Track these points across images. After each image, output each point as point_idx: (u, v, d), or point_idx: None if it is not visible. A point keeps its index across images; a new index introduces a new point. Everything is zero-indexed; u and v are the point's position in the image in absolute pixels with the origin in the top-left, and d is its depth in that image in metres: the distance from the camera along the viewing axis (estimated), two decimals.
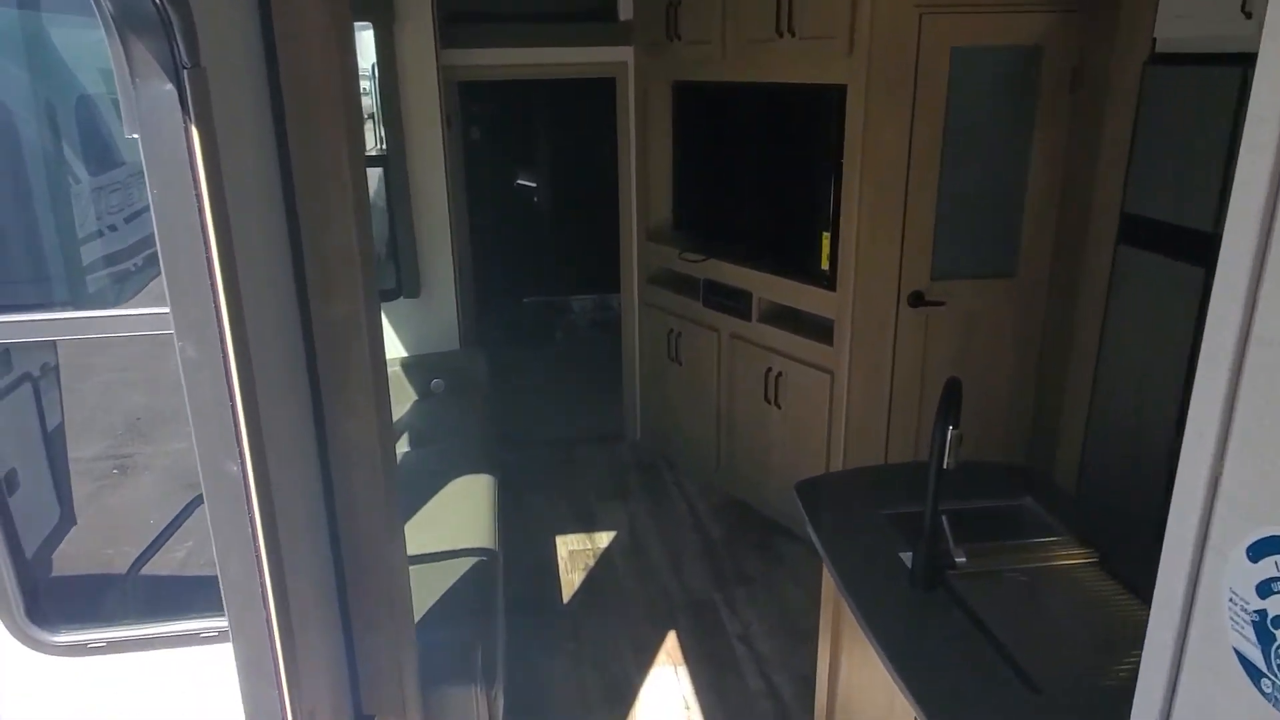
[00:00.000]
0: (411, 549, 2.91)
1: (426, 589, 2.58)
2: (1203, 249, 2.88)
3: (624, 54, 4.53)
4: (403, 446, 3.77)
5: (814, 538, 2.22)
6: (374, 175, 4.35)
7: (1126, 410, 3.28)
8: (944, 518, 1.93)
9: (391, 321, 4.40)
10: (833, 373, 3.76)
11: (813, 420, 3.88)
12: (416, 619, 2.32)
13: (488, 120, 7.51)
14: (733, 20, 3.85)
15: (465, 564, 2.76)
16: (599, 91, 4.92)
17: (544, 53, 4.47)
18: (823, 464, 3.88)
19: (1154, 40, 3.10)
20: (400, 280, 4.33)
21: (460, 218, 4.70)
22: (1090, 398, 3.47)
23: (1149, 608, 1.97)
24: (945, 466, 1.94)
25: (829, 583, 2.42)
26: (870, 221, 3.51)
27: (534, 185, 7.87)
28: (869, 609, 1.90)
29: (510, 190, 7.94)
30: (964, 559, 1.97)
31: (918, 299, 3.62)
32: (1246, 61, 2.68)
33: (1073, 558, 2.07)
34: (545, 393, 5.94)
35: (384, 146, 4.21)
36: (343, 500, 1.69)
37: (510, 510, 4.35)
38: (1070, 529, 2.21)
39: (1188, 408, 2.76)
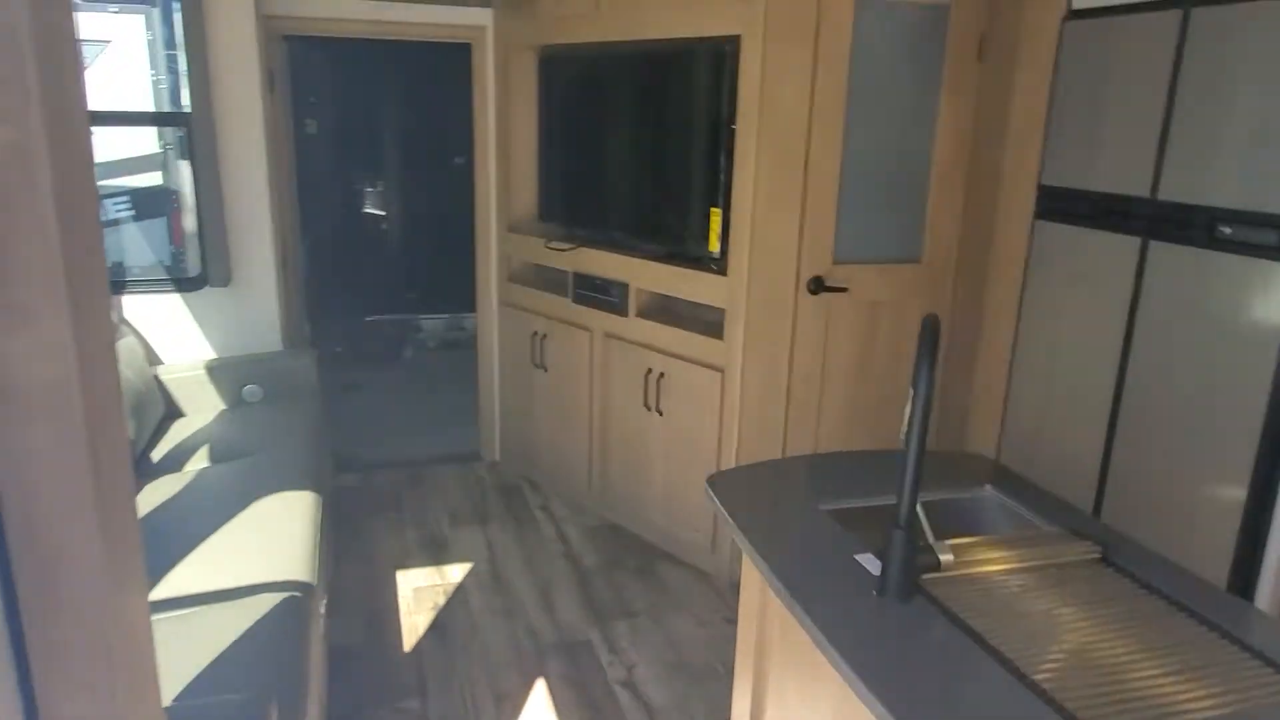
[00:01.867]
0: (191, 583, 2.20)
1: (208, 636, 1.88)
2: (1138, 216, 2.59)
3: (482, 16, 3.98)
4: (201, 462, 3.01)
5: (740, 538, 1.69)
6: (150, 142, 3.63)
7: (1049, 398, 2.96)
8: (921, 509, 1.44)
9: (195, 315, 3.63)
10: (724, 371, 3.28)
11: (701, 427, 3.39)
12: (188, 675, 1.63)
13: (330, 111, 6.78)
14: None
15: (267, 602, 2.06)
16: (456, 69, 4.36)
17: (386, 8, 3.86)
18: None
19: None
20: (206, 265, 3.57)
21: (285, 198, 3.98)
22: (1006, 388, 3.14)
23: (1175, 608, 1.56)
24: (902, 438, 1.48)
25: (750, 605, 1.89)
26: (768, 194, 3.08)
27: (383, 214, 7.19)
28: (834, 629, 1.37)
29: (353, 199, 7.21)
30: (949, 557, 1.49)
31: (818, 285, 3.21)
32: (1186, 4, 2.42)
33: (1072, 554, 1.62)
34: (390, 413, 5.21)
35: (187, 103, 3.47)
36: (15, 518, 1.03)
37: (343, 540, 3.61)
38: (1052, 520, 1.78)
39: (1124, 387, 2.38)
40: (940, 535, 1.61)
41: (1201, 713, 1.23)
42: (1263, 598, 2.38)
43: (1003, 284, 3.15)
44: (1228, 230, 2.35)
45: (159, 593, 2.15)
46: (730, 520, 1.75)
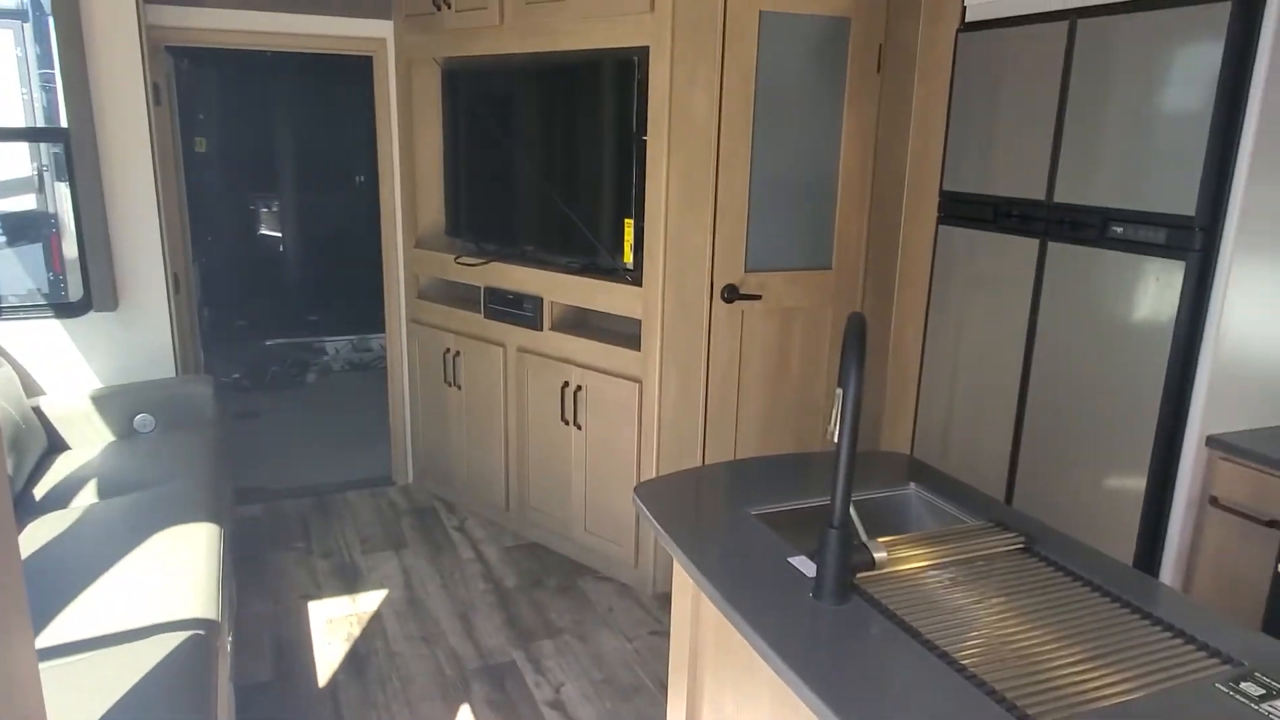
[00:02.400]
0: (82, 627, 2.03)
1: (104, 682, 1.74)
2: (1035, 219, 2.68)
3: (382, 28, 3.89)
4: (89, 497, 2.81)
5: (671, 547, 1.66)
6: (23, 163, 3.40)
7: (958, 396, 3.04)
8: (854, 509, 1.44)
9: (78, 342, 3.40)
10: (641, 382, 3.26)
11: (619, 439, 3.35)
12: None
13: (221, 129, 6.52)
14: None
15: (168, 643, 1.93)
16: (357, 83, 4.25)
17: (280, 20, 3.72)
18: (632, 490, 3.34)
19: (964, 8, 2.94)
20: (89, 289, 3.35)
21: (175, 217, 3.79)
22: (918, 388, 3.21)
23: (1095, 591, 1.59)
24: (830, 437, 1.48)
25: (683, 614, 1.86)
26: (680, 203, 3.09)
27: (280, 235, 6.94)
28: (772, 633, 1.35)
29: (250, 220, 6.94)
30: (884, 554, 1.49)
31: (732, 293, 3.22)
32: (1072, 15, 2.53)
33: (997, 545, 1.65)
34: (294, 440, 5.00)
35: (63, 118, 3.27)
36: None
37: (247, 574, 3.44)
38: (976, 514, 1.81)
39: (1029, 382, 2.46)
40: (868, 534, 1.62)
41: (1127, 694, 1.25)
42: (1165, 576, 2.48)
43: (910, 288, 3.22)
44: (1119, 229, 2.46)
45: (46, 639, 1.98)
46: (660, 529, 1.72)
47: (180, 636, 2.00)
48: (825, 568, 1.43)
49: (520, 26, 3.37)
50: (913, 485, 1.96)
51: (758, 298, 3.26)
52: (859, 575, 1.51)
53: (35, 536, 2.48)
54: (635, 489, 1.88)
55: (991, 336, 2.88)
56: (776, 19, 3.06)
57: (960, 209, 2.97)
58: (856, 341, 1.42)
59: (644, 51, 3.04)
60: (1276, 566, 2.18)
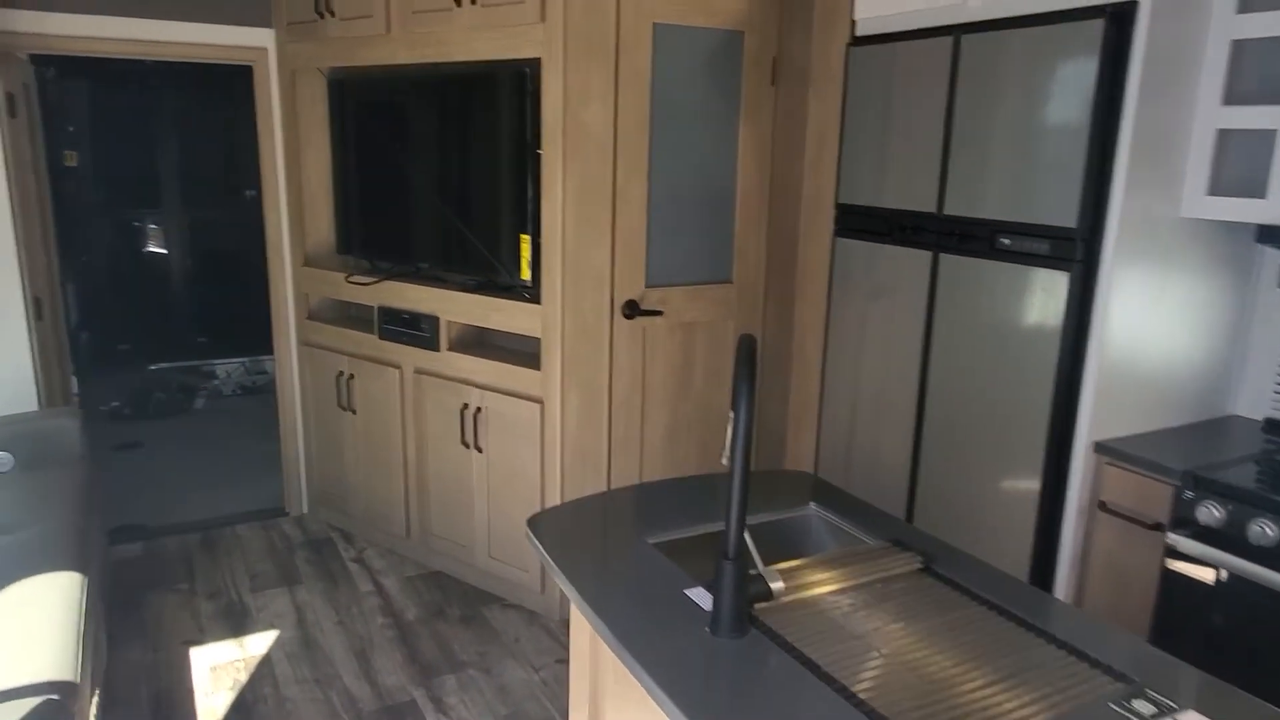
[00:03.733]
0: None
1: None
2: (927, 231, 2.71)
3: (263, 37, 3.71)
4: None
5: (565, 584, 1.58)
6: None
7: (859, 409, 3.05)
8: (749, 537, 1.39)
9: None
10: (543, 401, 3.17)
11: (522, 461, 3.25)
12: None
13: (95, 142, 6.15)
14: None
15: (18, 710, 1.74)
16: (237, 95, 4.04)
17: (150, 27, 3.51)
18: (537, 510, 3.24)
19: (854, 22, 2.97)
20: None
21: (37, 238, 3.53)
22: (820, 402, 3.21)
23: (993, 612, 1.58)
24: (724, 461, 1.43)
25: (581, 650, 1.79)
26: (577, 218, 3.02)
27: (164, 252, 6.59)
28: (666, 674, 1.29)
29: (130, 238, 6.57)
30: (780, 584, 1.44)
31: (633, 309, 3.17)
32: (956, 30, 2.57)
33: (896, 567, 1.62)
34: (178, 471, 4.72)
35: None
36: None
37: (122, 621, 3.20)
38: (875, 533, 1.79)
39: (926, 394, 2.48)
40: (768, 559, 1.57)
41: (1030, 718, 1.23)
42: (1061, 580, 2.52)
43: (809, 301, 3.23)
44: (1006, 241, 2.49)
45: None
46: (553, 564, 1.63)
47: (32, 703, 1.82)
48: (721, 601, 1.38)
49: (408, 36, 3.25)
50: (813, 505, 1.93)
51: (659, 313, 3.21)
52: (757, 606, 1.46)
53: None
54: (529, 521, 1.79)
55: (889, 348, 2.90)
56: (670, 31, 3.03)
57: (856, 221, 2.98)
58: (747, 364, 1.37)
59: (536, 63, 2.96)
60: (1162, 566, 2.23)
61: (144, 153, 6.37)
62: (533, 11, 2.89)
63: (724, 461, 1.45)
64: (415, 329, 3.49)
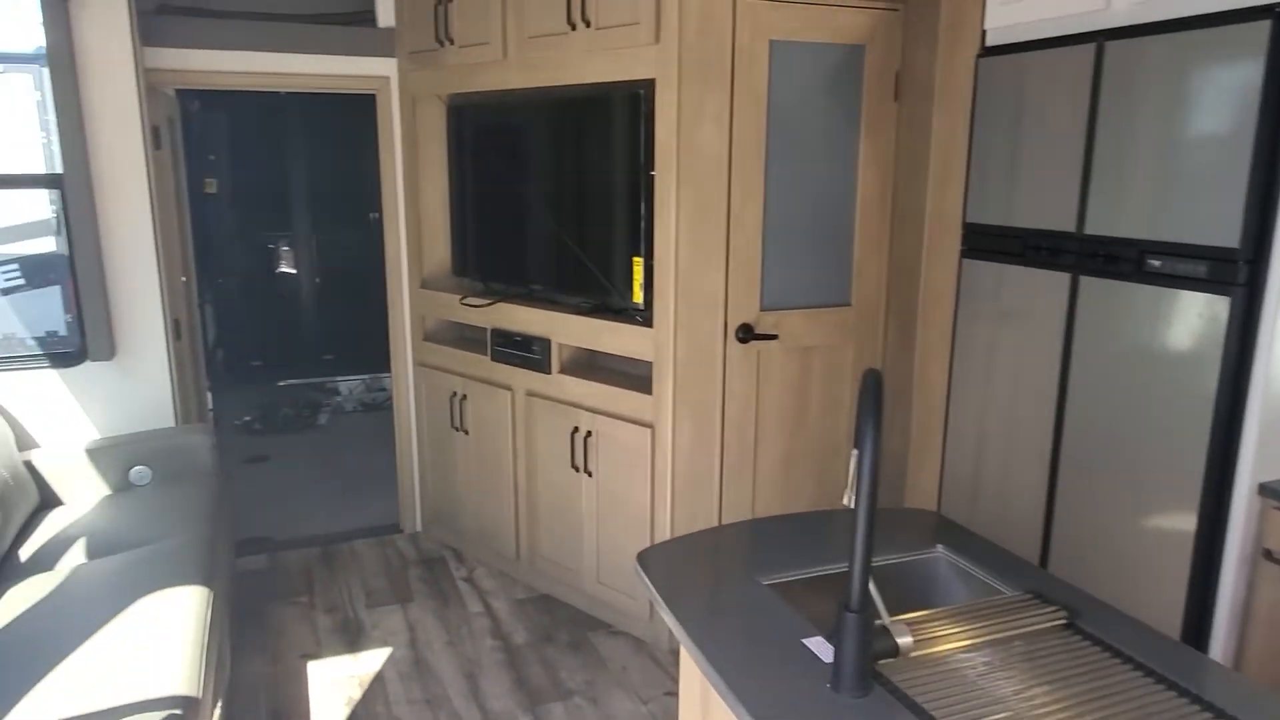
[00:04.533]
0: (52, 707, 1.90)
1: None
2: (1066, 252, 2.53)
3: (386, 66, 3.82)
4: (77, 557, 2.70)
5: (675, 626, 1.51)
6: (43, 206, 3.35)
7: (987, 439, 2.87)
8: (874, 587, 1.28)
9: (74, 392, 3.32)
10: (653, 426, 3.12)
11: (632, 486, 3.20)
12: None
13: (234, 169, 6.51)
14: (515, 14, 3.26)
15: None
16: (362, 122, 4.18)
17: (282, 60, 3.66)
18: (647, 538, 3.19)
19: (984, 33, 2.81)
20: (85, 338, 3.27)
21: (177, 262, 3.72)
22: (944, 431, 3.04)
23: (1146, 676, 1.42)
24: (847, 502, 1.34)
25: (692, 697, 1.71)
26: (691, 240, 2.96)
27: (294, 271, 6.90)
28: None
29: (260, 259, 6.91)
30: (908, 639, 1.33)
31: (747, 333, 3.08)
32: (1098, 38, 2.39)
33: (1037, 621, 1.48)
34: (302, 485, 4.89)
35: (59, 163, 3.20)
36: None
37: (246, 632, 3.31)
38: (1011, 582, 1.65)
39: (1063, 426, 2.27)
40: (892, 606, 1.46)
41: None
42: (1218, 636, 2.29)
43: (933, 325, 3.07)
44: (1156, 262, 2.29)
45: None
46: (663, 604, 1.57)
47: (155, 718, 1.87)
48: (843, 656, 1.28)
49: (523, 61, 3.28)
50: (940, 548, 1.80)
51: (774, 337, 3.11)
52: (881, 662, 1.35)
53: (15, 603, 2.37)
54: (638, 556, 1.73)
55: (1022, 376, 2.72)
56: (788, 48, 2.94)
57: (985, 241, 2.82)
58: (873, 401, 1.27)
59: (650, 85, 2.93)
60: None
61: (276, 178, 6.69)
62: (647, 33, 2.86)
63: (846, 503, 1.36)
64: (527, 351, 3.50)
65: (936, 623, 1.47)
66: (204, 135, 6.28)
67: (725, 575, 1.69)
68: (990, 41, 2.79)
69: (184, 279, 3.96)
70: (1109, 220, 2.40)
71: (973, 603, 1.56)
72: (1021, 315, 2.71)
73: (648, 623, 3.28)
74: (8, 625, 2.27)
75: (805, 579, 1.68)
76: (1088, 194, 2.45)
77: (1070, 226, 2.51)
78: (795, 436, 3.25)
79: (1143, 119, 2.29)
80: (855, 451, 1.36)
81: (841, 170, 3.12)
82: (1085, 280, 2.48)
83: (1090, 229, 2.45)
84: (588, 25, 3.01)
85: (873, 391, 1.26)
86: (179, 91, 4.70)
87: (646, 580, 1.65)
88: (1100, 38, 2.39)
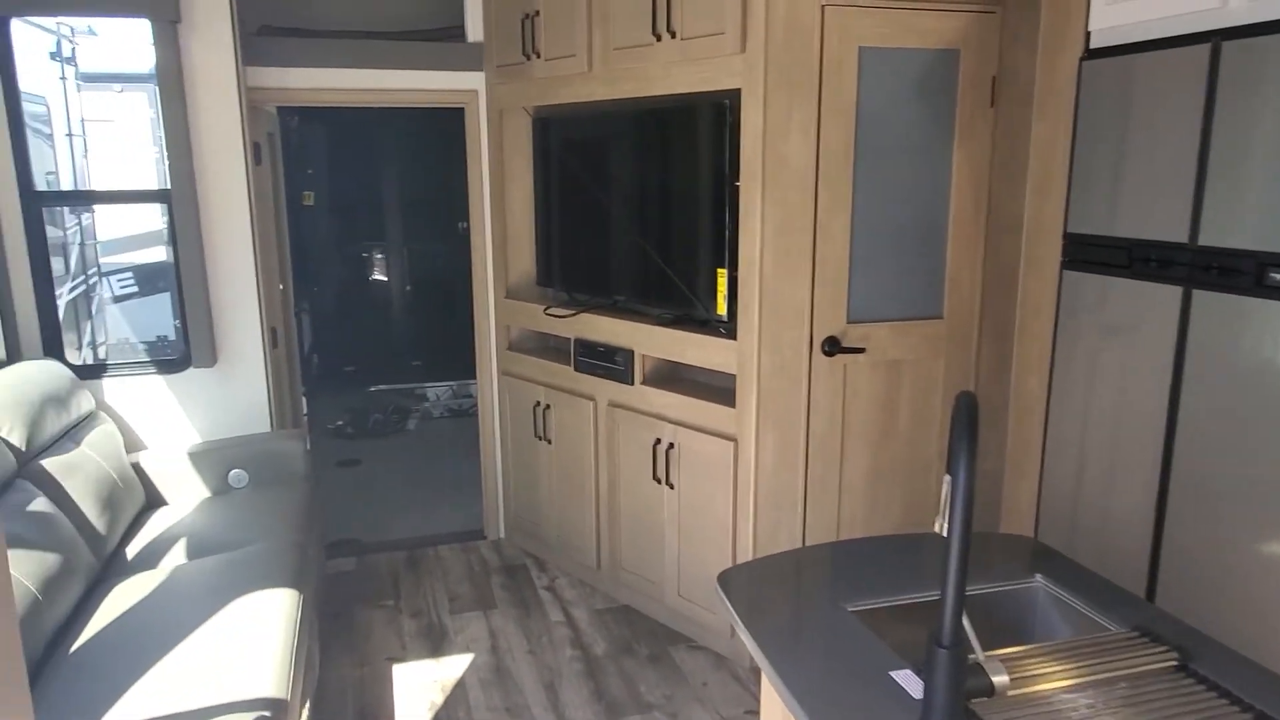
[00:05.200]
0: (149, 706, 1.97)
1: None
2: (1177, 264, 2.39)
3: (474, 80, 3.88)
4: (178, 557, 2.81)
5: (758, 652, 1.47)
6: (155, 218, 3.49)
7: (1090, 459, 2.73)
8: (968, 622, 1.22)
9: (178, 397, 3.46)
10: (737, 440, 3.07)
11: (715, 499, 3.16)
12: None
13: (330, 181, 6.73)
14: (601, 26, 3.27)
15: None
16: (452, 134, 4.26)
17: (375, 76, 3.76)
18: (728, 552, 3.15)
19: (1088, 34, 2.69)
20: (189, 345, 3.41)
21: (275, 273, 3.85)
22: (1042, 449, 2.91)
23: None
24: (939, 529, 1.27)
25: (774, 715, 1.66)
26: (775, 252, 2.91)
27: (385, 279, 7.10)
28: None
29: (354, 268, 7.12)
30: (1004, 678, 1.26)
31: (834, 346, 3.01)
32: (1213, 38, 2.26)
33: (1145, 661, 1.39)
34: (390, 489, 5.00)
35: (168, 179, 3.35)
36: None
37: (335, 633, 3.39)
38: (1117, 617, 1.55)
39: (1174, 447, 2.13)
40: (986, 639, 1.38)
41: None
42: None
43: (1032, 338, 2.94)
44: (1279, 275, 2.14)
45: (114, 719, 1.93)
46: (745, 629, 1.53)
47: (246, 719, 1.92)
48: (933, 694, 1.22)
49: (609, 73, 3.28)
50: (1039, 578, 1.71)
51: (861, 350, 3.03)
52: (974, 700, 1.29)
53: (121, 599, 2.47)
54: (719, 577, 1.70)
55: (1128, 393, 2.58)
56: (878, 55, 2.87)
57: (1088, 252, 2.69)
58: (967, 425, 1.21)
59: (735, 95, 2.89)
60: None
61: (370, 190, 6.90)
62: (733, 42, 2.83)
63: (938, 530, 1.29)
64: (610, 362, 3.50)
65: (1035, 660, 1.40)
66: (302, 149, 6.51)
67: (809, 599, 1.64)
68: (1095, 43, 2.67)
69: (280, 287, 4.10)
70: (1225, 230, 2.26)
71: (1074, 639, 1.47)
72: (1128, 329, 2.57)
73: (729, 639, 3.23)
74: (113, 622, 2.37)
75: (891, 607, 1.62)
76: (1202, 203, 2.31)
77: (1182, 237, 2.37)
78: (882, 452, 3.15)
79: (1263, 123, 2.14)
80: (948, 477, 1.30)
81: (934, 179, 3.02)
82: (1199, 294, 2.34)
83: (1205, 240, 2.31)
84: (673, 36, 2.99)
85: (967, 415, 1.20)
86: (279, 108, 4.88)
87: (727, 602, 1.61)
88: (1216, 38, 2.25)
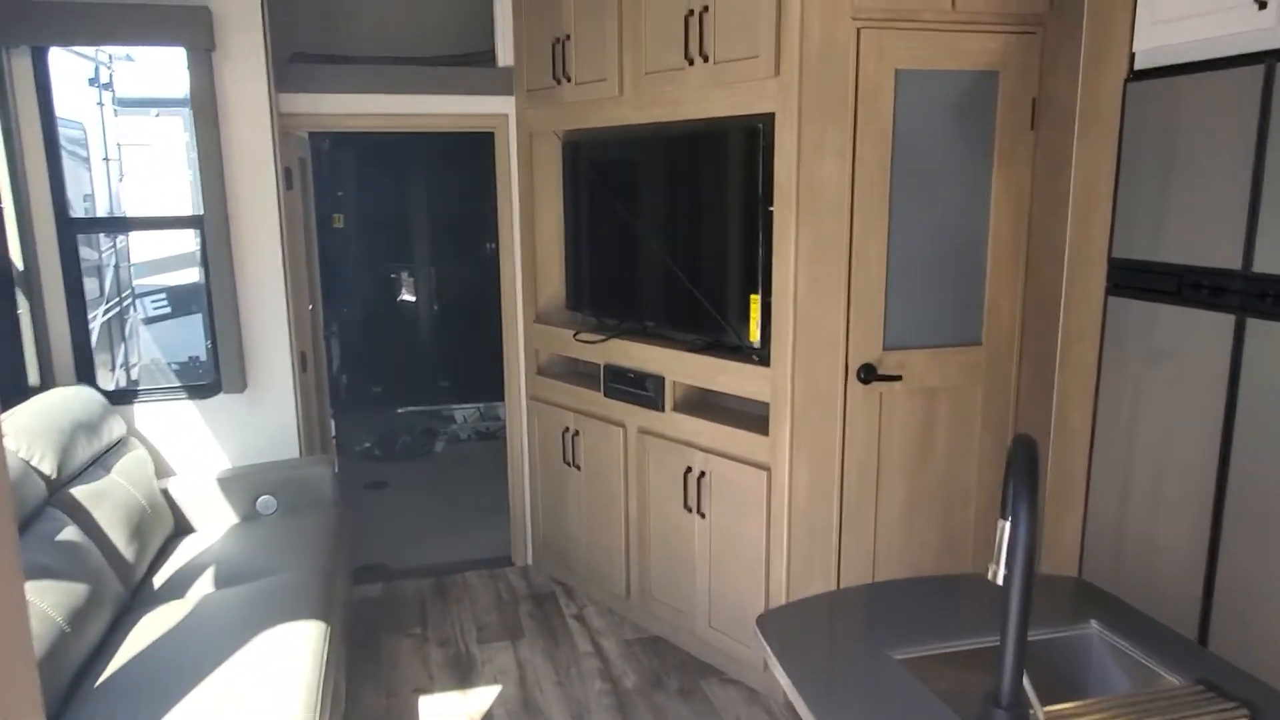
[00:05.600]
0: None
1: None
2: (1230, 290, 2.30)
3: (504, 104, 3.87)
4: (205, 586, 2.78)
5: (799, 703, 1.41)
6: (188, 239, 3.49)
7: (1137, 495, 2.63)
8: (1028, 681, 1.15)
9: (209, 423, 3.46)
10: (770, 469, 3.01)
11: (747, 529, 3.10)
12: None
13: (360, 204, 6.76)
14: (632, 50, 3.24)
15: None
16: (480, 156, 4.26)
17: (406, 101, 3.76)
18: (761, 585, 3.08)
19: (1132, 56, 2.62)
20: (219, 371, 3.41)
21: (305, 298, 3.85)
22: (1086, 488, 2.82)
23: None
24: (992, 577, 1.21)
25: None
26: (810, 277, 2.86)
27: (414, 300, 7.12)
28: None
29: (383, 289, 7.15)
30: None
31: (869, 373, 2.94)
32: (1266, 58, 2.18)
33: (1212, 716, 1.31)
34: (418, 514, 4.98)
35: (201, 204, 3.36)
36: None
37: (361, 663, 3.35)
38: (1180, 669, 1.47)
39: (1228, 484, 2.03)
40: (1040, 691, 1.31)
41: None
42: None
43: (1075, 367, 2.86)
44: None
45: None
46: (787, 677, 1.46)
47: None
48: None
49: (639, 97, 3.26)
50: (1094, 624, 1.63)
51: (898, 378, 2.96)
52: None
53: (148, 630, 2.45)
54: (758, 620, 1.64)
55: (1178, 425, 2.49)
56: (915, 77, 2.82)
57: (1134, 279, 2.60)
58: (1025, 469, 1.15)
59: (769, 119, 2.85)
60: None
61: (400, 212, 6.92)
62: (766, 66, 2.79)
63: (992, 578, 1.23)
64: (640, 388, 3.46)
65: (1096, 717, 1.32)
66: (333, 172, 6.55)
67: (853, 646, 1.57)
68: (1140, 65, 2.60)
69: (310, 307, 4.09)
70: None
71: (1136, 694, 1.40)
72: (1177, 357, 2.48)
73: (762, 673, 3.15)
74: (140, 654, 2.34)
75: (941, 655, 1.55)
76: (1256, 228, 2.23)
77: (1235, 264, 2.28)
78: (918, 481, 3.08)
79: None
80: (1004, 522, 1.24)
81: (972, 203, 2.96)
82: (1254, 323, 2.25)
83: (1260, 266, 2.22)
84: (705, 60, 2.96)
85: (1025, 459, 1.14)
86: (310, 133, 4.91)
87: (767, 647, 1.55)
88: (1270, 58, 2.18)
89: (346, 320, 6.92)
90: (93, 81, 7.30)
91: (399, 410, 6.86)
